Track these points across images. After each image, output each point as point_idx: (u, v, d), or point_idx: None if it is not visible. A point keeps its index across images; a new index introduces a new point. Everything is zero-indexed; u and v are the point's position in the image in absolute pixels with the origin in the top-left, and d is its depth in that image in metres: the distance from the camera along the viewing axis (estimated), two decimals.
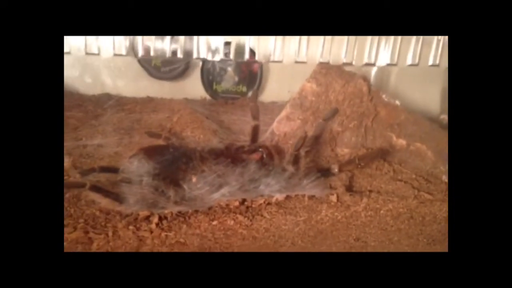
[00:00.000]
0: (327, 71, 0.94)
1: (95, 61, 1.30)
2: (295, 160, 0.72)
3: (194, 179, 0.67)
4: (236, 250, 0.71)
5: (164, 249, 0.67)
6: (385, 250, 0.77)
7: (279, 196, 0.70)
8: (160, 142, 0.86)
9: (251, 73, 1.34)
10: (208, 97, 1.35)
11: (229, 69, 1.34)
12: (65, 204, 0.71)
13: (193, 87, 1.35)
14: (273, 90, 1.37)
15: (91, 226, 0.66)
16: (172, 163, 0.69)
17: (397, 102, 0.94)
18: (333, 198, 0.72)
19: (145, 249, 0.67)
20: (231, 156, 0.75)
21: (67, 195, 0.72)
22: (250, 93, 1.31)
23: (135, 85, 1.34)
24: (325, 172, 0.74)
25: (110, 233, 0.65)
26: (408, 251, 0.77)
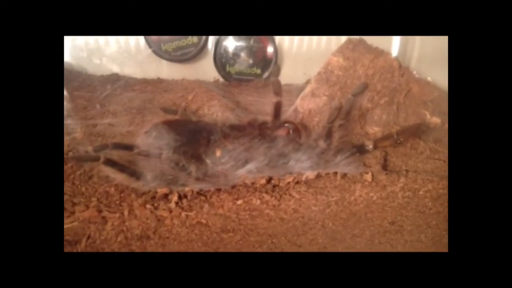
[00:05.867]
0: (354, 46, 0.88)
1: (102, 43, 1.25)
2: (328, 134, 0.65)
3: (218, 153, 0.61)
4: (262, 232, 0.65)
5: (184, 230, 0.62)
6: (422, 235, 0.71)
7: (310, 174, 0.64)
8: (178, 118, 0.80)
9: (265, 58, 1.28)
10: (221, 79, 1.29)
11: (242, 54, 1.28)
12: (76, 182, 0.66)
13: (205, 69, 1.29)
14: (288, 73, 1.31)
15: (105, 205, 0.61)
16: (194, 136, 0.62)
17: (429, 79, 0.88)
18: (368, 177, 0.66)
19: (163, 230, 0.61)
20: (256, 132, 0.68)
21: (78, 173, 0.67)
22: (265, 74, 1.25)
23: (145, 66, 1.28)
24: (359, 148, 0.68)
25: (125, 212, 0.60)
26: (446, 235, 0.71)
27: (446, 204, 0.68)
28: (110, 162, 0.59)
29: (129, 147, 0.67)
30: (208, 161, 0.61)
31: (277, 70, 0.91)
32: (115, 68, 1.28)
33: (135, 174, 0.59)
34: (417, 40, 1.12)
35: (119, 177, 0.60)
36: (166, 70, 1.28)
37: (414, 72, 0.88)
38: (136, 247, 0.61)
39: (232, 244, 0.64)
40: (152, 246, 0.62)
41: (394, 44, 1.21)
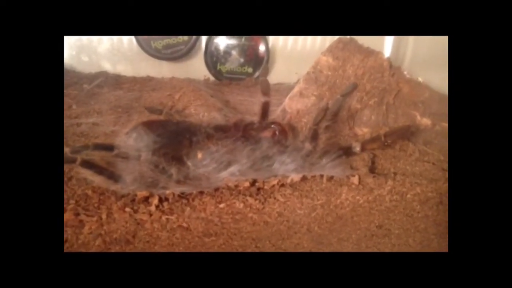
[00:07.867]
0: (344, 46, 0.86)
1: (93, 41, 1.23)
2: (314, 136, 0.64)
3: (199, 155, 0.59)
4: (245, 236, 0.63)
5: (165, 234, 0.60)
6: (410, 239, 0.69)
7: (295, 177, 0.62)
8: (161, 118, 0.78)
9: (257, 57, 1.26)
10: (212, 77, 1.27)
11: (234, 53, 1.26)
12: None
13: (196, 67, 1.27)
14: (281, 72, 1.29)
15: (83, 208, 0.59)
16: (175, 137, 0.61)
17: (420, 79, 0.86)
18: (355, 180, 0.65)
19: (143, 233, 0.59)
20: (240, 133, 0.67)
21: None
22: (257, 73, 1.23)
23: (134, 65, 1.26)
24: (346, 151, 0.66)
25: (103, 216, 0.58)
26: (435, 239, 0.70)
27: (435, 207, 0.67)
28: (87, 164, 0.57)
29: (111, 148, 0.65)
30: (189, 163, 0.59)
31: (266, 70, 0.89)
32: (107, 66, 1.26)
33: (113, 177, 0.58)
34: (410, 40, 1.11)
35: (97, 180, 0.58)
36: (158, 68, 1.26)
37: (405, 72, 0.87)
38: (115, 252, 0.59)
39: (214, 248, 0.63)
40: (132, 251, 0.60)
41: (386, 44, 1.20)
